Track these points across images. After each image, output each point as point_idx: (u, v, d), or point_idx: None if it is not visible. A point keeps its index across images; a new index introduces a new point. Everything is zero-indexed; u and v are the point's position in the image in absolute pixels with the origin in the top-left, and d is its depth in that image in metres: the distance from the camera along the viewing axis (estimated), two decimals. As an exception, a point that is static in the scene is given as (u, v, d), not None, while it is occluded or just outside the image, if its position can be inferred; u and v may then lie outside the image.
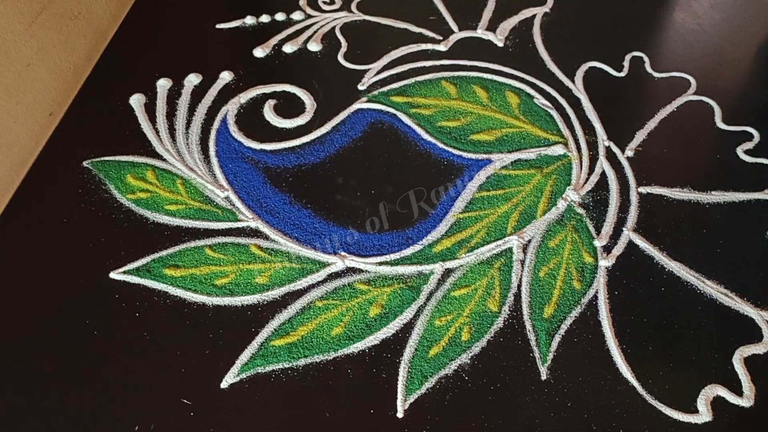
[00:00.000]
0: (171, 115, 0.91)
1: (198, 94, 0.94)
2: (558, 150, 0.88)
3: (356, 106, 0.93)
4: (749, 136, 0.90)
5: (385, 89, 0.95)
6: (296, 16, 1.07)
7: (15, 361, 0.67)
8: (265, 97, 0.94)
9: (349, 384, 0.66)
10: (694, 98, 0.95)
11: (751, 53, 1.03)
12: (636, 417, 0.64)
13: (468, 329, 0.70)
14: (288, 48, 1.01)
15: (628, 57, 1.01)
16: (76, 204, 0.80)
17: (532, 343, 0.70)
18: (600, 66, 0.99)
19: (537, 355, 0.69)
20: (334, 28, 1.05)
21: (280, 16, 1.07)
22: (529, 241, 0.78)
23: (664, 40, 1.05)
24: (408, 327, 0.71)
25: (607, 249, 0.78)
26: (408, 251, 0.77)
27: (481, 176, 0.85)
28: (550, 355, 0.69)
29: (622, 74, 0.99)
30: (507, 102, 0.94)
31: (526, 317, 0.72)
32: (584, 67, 0.99)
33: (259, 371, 0.67)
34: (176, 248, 0.76)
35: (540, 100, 0.94)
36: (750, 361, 0.69)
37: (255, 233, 0.78)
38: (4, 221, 0.79)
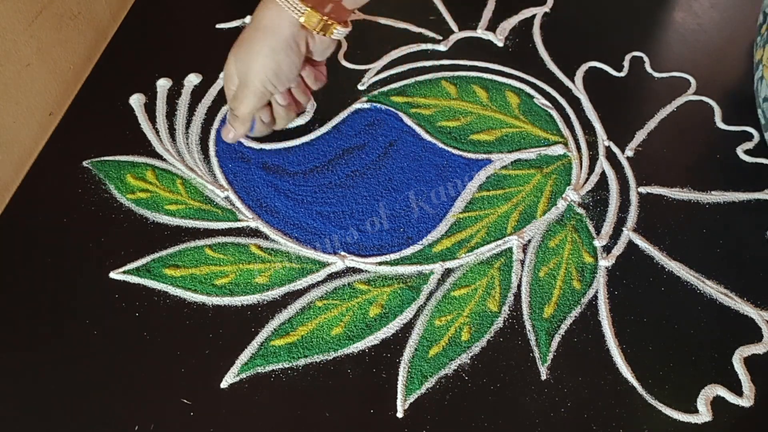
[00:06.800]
0: (171, 115, 0.91)
1: (198, 94, 0.94)
2: (558, 150, 0.88)
3: (356, 106, 0.93)
4: (749, 136, 0.90)
5: (385, 89, 0.95)
6: (296, 16, 1.07)
7: (14, 362, 0.67)
8: (265, 97, 0.94)
9: (349, 384, 0.66)
10: (694, 98, 0.95)
11: (752, 53, 1.02)
12: (636, 417, 0.65)
13: (468, 329, 0.70)
14: (288, 48, 1.01)
15: (628, 57, 1.01)
16: (76, 204, 0.80)
17: (532, 343, 0.70)
18: (600, 66, 0.99)
19: (537, 355, 0.69)
20: (334, 28, 1.05)
21: (280, 16, 1.07)
22: (529, 241, 0.78)
23: (664, 40, 1.05)
24: (408, 327, 0.71)
25: (607, 249, 0.78)
26: (408, 251, 0.77)
27: (481, 176, 0.85)
28: (550, 355, 0.69)
29: (622, 74, 0.98)
30: (507, 102, 0.94)
31: (526, 317, 0.72)
32: (584, 67, 0.99)
33: (259, 371, 0.67)
34: (176, 248, 0.76)
35: (540, 99, 0.94)
36: (750, 361, 0.69)
37: (255, 233, 0.78)
38: (4, 221, 0.79)
